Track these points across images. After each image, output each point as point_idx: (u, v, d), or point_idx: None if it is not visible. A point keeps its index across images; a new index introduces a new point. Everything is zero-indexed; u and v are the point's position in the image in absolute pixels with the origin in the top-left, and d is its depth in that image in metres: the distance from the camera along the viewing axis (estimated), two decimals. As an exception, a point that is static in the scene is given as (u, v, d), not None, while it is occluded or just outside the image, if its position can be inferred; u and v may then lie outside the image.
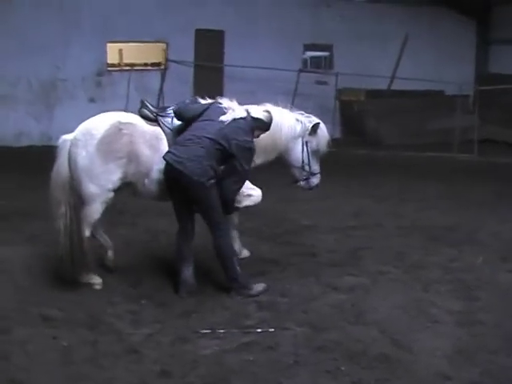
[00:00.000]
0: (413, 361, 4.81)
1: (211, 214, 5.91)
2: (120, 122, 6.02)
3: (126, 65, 18.52)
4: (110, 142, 5.92)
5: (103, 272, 6.36)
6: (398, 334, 5.22)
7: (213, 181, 5.77)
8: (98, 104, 15.91)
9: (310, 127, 6.77)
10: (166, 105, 7.63)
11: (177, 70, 17.41)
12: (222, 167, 5.89)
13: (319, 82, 18.68)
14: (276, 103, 6.69)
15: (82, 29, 16.58)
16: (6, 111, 16.16)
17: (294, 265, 6.97)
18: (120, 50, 18.61)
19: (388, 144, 16.79)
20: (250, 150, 5.89)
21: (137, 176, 6.04)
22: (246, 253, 7.09)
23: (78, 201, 6.07)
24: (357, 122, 18.20)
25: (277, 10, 18.32)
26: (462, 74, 19.00)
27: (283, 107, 6.80)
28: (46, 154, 6.30)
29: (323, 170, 7.17)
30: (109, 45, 17.33)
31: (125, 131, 5.98)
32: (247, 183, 6.46)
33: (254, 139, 6.03)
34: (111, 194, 6.05)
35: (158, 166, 5.99)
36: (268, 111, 6.17)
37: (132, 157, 5.96)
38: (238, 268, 6.01)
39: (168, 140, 6.06)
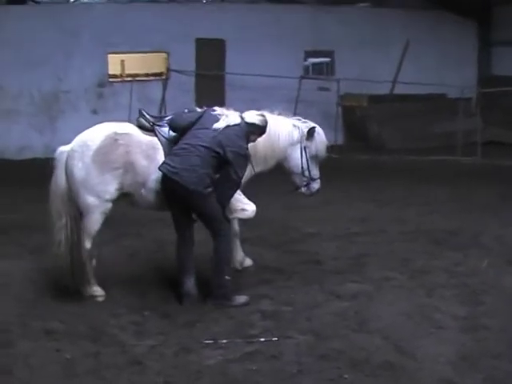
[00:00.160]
0: (417, 368, 4.78)
1: (212, 221, 5.93)
2: (116, 133, 6.02)
3: (128, 75, 18.60)
4: (105, 152, 5.92)
5: (107, 284, 6.34)
6: (401, 341, 5.19)
7: (210, 189, 5.78)
8: (100, 115, 15.96)
9: (306, 132, 6.74)
10: (165, 114, 7.64)
11: (178, 80, 17.47)
12: (218, 175, 5.90)
13: (321, 89, 18.69)
14: (272, 110, 6.68)
15: (82, 40, 16.67)
16: (8, 124, 16.25)
17: (298, 273, 6.95)
18: (122, 61, 18.69)
19: (391, 148, 16.78)
20: (245, 157, 5.91)
21: (134, 186, 6.03)
22: (248, 262, 7.07)
23: (78, 212, 6.08)
24: (359, 127, 18.20)
25: (277, 18, 18.34)
26: (464, 77, 18.99)
27: (279, 114, 6.79)
28: (49, 167, 6.31)
29: (326, 176, 7.16)
30: (109, 56, 17.39)
31: (120, 142, 5.98)
32: (243, 198, 6.49)
33: (253, 148, 6.04)
34: (109, 205, 6.05)
35: (154, 175, 5.99)
36: (262, 114, 6.17)
37: (128, 167, 5.96)
38: (226, 278, 6.00)
39: (164, 150, 6.05)
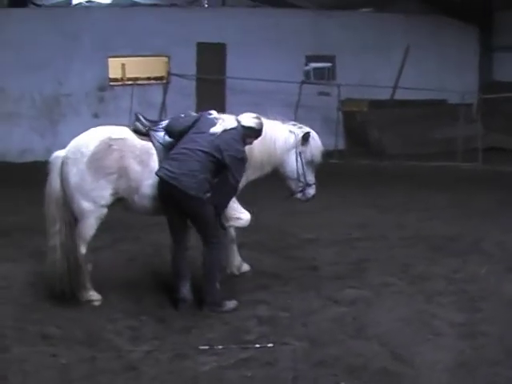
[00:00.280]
0: (414, 375, 4.76)
1: (206, 226, 5.90)
2: (110, 138, 5.99)
3: (129, 79, 18.61)
4: (99, 158, 5.90)
5: (104, 288, 6.31)
6: (399, 348, 5.16)
7: (209, 194, 5.75)
8: (101, 119, 15.93)
9: (301, 137, 6.70)
10: (165, 118, 7.60)
11: (179, 84, 17.46)
12: (215, 180, 5.88)
13: (322, 94, 18.69)
14: (267, 115, 6.66)
15: (83, 43, 16.69)
16: (9, 127, 16.27)
17: (296, 278, 6.92)
18: (123, 65, 18.70)
19: (391, 154, 16.75)
20: (242, 161, 5.89)
21: (127, 191, 6.01)
22: (246, 267, 7.05)
23: (73, 217, 6.06)
24: (360, 132, 18.19)
25: (278, 22, 18.33)
26: (466, 83, 18.97)
27: (274, 118, 6.77)
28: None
29: (326, 182, 7.16)
30: (110, 59, 17.39)
31: (115, 147, 5.95)
32: (238, 206, 6.47)
33: (249, 154, 6.03)
34: (105, 210, 6.03)
35: (147, 181, 5.96)
36: (258, 117, 6.14)
37: (122, 172, 5.93)
38: (217, 284, 5.99)
39: (159, 155, 6.02)
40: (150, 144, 6.09)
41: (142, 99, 17.31)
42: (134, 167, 5.96)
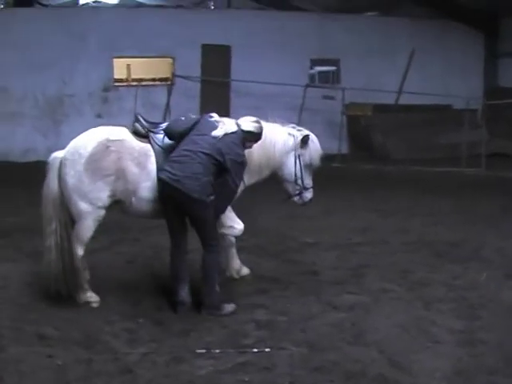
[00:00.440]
0: (412, 382, 4.72)
1: (206, 228, 5.87)
2: (108, 140, 5.97)
3: (134, 80, 18.63)
4: (97, 160, 5.88)
5: (102, 290, 6.30)
6: (397, 355, 5.13)
7: (212, 197, 5.73)
8: (104, 119, 15.96)
9: (300, 140, 6.68)
10: (166, 120, 7.61)
11: (183, 85, 17.50)
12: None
13: (326, 97, 18.71)
14: (267, 118, 6.64)
15: (88, 44, 16.74)
16: (12, 127, 16.31)
17: (295, 283, 6.90)
18: (128, 66, 18.73)
19: (395, 159, 16.76)
20: (242, 164, 5.89)
21: (125, 193, 5.98)
22: (245, 271, 7.03)
23: (69, 218, 6.05)
24: (364, 136, 18.20)
25: (283, 25, 18.35)
26: (470, 88, 18.97)
27: (274, 121, 6.75)
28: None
29: (329, 185, 7.14)
30: (115, 60, 17.41)
31: (112, 148, 5.93)
32: (233, 216, 6.47)
33: (247, 158, 6.02)
34: (102, 212, 6.01)
35: (145, 183, 5.95)
36: (258, 121, 6.13)
37: (120, 174, 5.92)
38: (216, 287, 5.97)
39: (157, 157, 5.99)
40: (148, 146, 6.06)
41: (146, 100, 17.35)
42: (132, 169, 5.94)
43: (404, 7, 20.21)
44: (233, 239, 6.80)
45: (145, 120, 6.23)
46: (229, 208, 6.28)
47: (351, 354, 5.14)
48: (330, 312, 6.09)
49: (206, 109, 15.23)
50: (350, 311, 6.09)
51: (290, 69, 18.13)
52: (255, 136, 6.08)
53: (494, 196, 12.09)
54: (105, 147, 5.93)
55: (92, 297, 6.11)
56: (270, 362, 4.98)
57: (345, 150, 17.93)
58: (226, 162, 5.74)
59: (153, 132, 6.12)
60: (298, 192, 6.82)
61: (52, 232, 6.01)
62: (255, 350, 5.22)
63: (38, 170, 6.43)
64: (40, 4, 20.01)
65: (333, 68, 19.82)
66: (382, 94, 17.83)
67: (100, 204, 5.94)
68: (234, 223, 6.51)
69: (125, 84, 18.47)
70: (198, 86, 18.05)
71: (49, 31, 16.39)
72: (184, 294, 5.99)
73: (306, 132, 6.78)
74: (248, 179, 6.47)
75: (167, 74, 18.57)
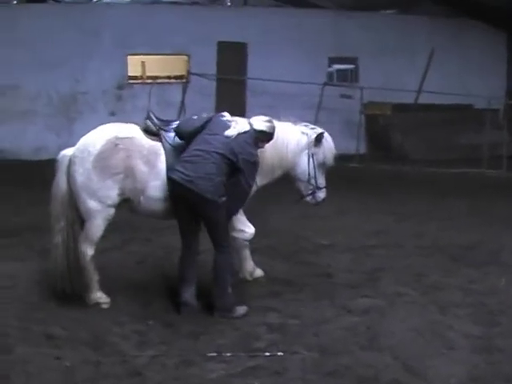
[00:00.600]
0: (426, 388, 4.71)
1: (218, 229, 5.88)
2: (117, 138, 5.98)
3: (148, 77, 18.67)
4: (106, 158, 5.90)
5: (112, 290, 6.31)
6: (411, 360, 5.11)
7: (224, 198, 5.73)
8: (118, 117, 16.00)
9: (314, 138, 6.66)
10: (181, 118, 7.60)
11: (199, 83, 17.48)
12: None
13: (344, 96, 18.65)
14: (279, 117, 6.64)
15: (102, 41, 16.79)
16: (24, 125, 16.41)
17: (309, 285, 6.90)
18: (143, 63, 18.77)
19: (414, 159, 16.66)
20: (255, 164, 5.89)
21: (133, 192, 6.00)
22: (259, 272, 7.04)
23: (77, 216, 6.09)
24: (382, 136, 18.13)
25: (300, 22, 18.31)
26: (492, 88, 18.80)
27: (287, 120, 6.74)
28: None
29: (345, 186, 7.11)
30: (129, 57, 17.46)
31: (121, 146, 5.94)
32: (244, 219, 6.48)
33: (260, 158, 6.01)
34: (112, 210, 6.03)
35: (154, 182, 5.95)
36: (270, 120, 6.13)
37: (128, 172, 5.93)
38: (228, 289, 5.97)
39: (167, 156, 5.99)
40: (158, 144, 6.06)
41: (160, 98, 17.37)
42: (141, 167, 5.95)
43: (422, 5, 20.07)
44: (252, 235, 6.79)
45: (156, 118, 6.23)
46: (240, 211, 6.28)
47: (365, 359, 5.13)
48: (344, 316, 6.07)
49: (221, 107, 15.19)
50: (365, 315, 6.08)
51: (308, 67, 18.09)
52: (267, 135, 6.09)
53: (514, 198, 11.99)
54: (113, 145, 5.94)
55: (102, 297, 6.14)
56: (281, 366, 4.98)
57: (363, 149, 17.88)
58: (239, 162, 5.75)
59: (164, 130, 6.12)
60: (310, 192, 6.82)
61: (60, 230, 6.06)
62: (267, 353, 5.21)
63: (49, 168, 6.44)
64: (53, 0, 20.11)
65: (351, 66, 19.77)
66: (401, 93, 17.72)
67: (109, 202, 5.96)
68: (244, 227, 6.52)
69: (139, 81, 18.49)
70: (214, 84, 18.04)
71: (61, 27, 16.44)
72: (188, 295, 6.00)
73: (320, 130, 6.77)
74: (260, 179, 6.46)
75: (182, 72, 18.58)
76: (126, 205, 6.13)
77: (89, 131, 6.29)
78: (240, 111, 14.63)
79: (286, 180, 6.87)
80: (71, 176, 6.02)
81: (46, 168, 6.50)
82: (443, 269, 7.55)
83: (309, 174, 6.71)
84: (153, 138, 6.11)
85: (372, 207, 11.25)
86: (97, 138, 6.04)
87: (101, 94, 17.21)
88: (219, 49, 18.00)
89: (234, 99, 17.23)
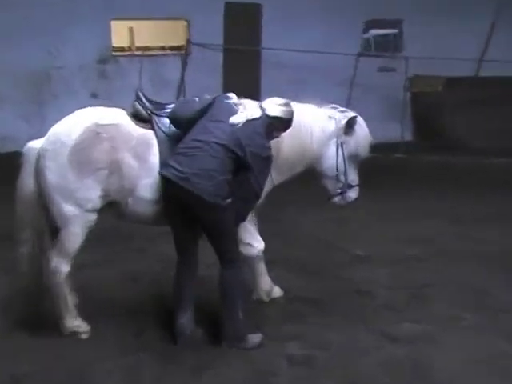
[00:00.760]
0: None
1: (223, 239, 5.89)
2: (98, 125, 5.99)
3: (138, 49, 18.72)
4: (84, 150, 5.90)
5: (95, 316, 6.34)
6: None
7: (229, 200, 5.73)
8: (101, 99, 16.10)
9: (344, 124, 6.68)
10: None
11: (201, 56, 17.51)
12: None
13: (384, 69, 18.64)
14: (300, 99, 6.63)
15: (80, 3, 16.81)
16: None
17: (340, 307, 6.93)
18: (131, 30, 18.82)
19: (472, 147, 16.65)
20: (268, 159, 5.86)
21: (120, 193, 6.00)
22: (277, 291, 7.08)
23: (48, 224, 6.12)
24: (433, 119, 18.10)
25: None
26: None
27: (309, 102, 6.75)
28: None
29: (386, 183, 7.10)
30: (114, 23, 17.53)
31: (104, 135, 5.94)
32: (254, 231, 6.50)
33: (276, 150, 6.06)
34: (93, 216, 6.03)
35: (145, 180, 5.96)
36: (287, 103, 6.09)
37: (114, 168, 5.93)
38: (240, 313, 5.98)
39: (162, 147, 6.01)
40: (150, 133, 6.08)
41: (154, 75, 17.45)
42: (129, 162, 5.95)
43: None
44: (261, 251, 6.82)
45: (148, 99, 6.25)
46: (249, 219, 6.30)
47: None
48: (385, 345, 6.10)
49: (230, 86, 15.27)
50: (411, 344, 6.09)
51: (338, 33, 18.05)
52: (284, 123, 6.06)
53: None
54: (94, 134, 5.95)
55: (80, 325, 6.17)
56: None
57: (408, 136, 17.86)
58: (247, 157, 5.72)
59: (157, 115, 6.14)
60: (340, 191, 6.84)
61: (25, 241, 6.09)
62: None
63: (19, 162, 6.45)
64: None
65: (393, 31, 19.75)
66: (457, 65, 17.64)
67: (89, 206, 5.97)
68: (252, 240, 6.56)
69: (127, 54, 18.57)
70: (220, 56, 18.06)
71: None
72: (185, 320, 6.03)
73: (352, 114, 6.78)
74: (276, 177, 6.48)
75: (181, 42, 18.63)
76: (111, 209, 6.16)
77: (63, 117, 6.31)
78: (253, 91, 14.67)
79: (311, 175, 6.88)
80: (41, 174, 6.02)
81: (15, 162, 6.53)
82: (509, 285, 7.55)
83: (337, 169, 6.73)
84: (143, 125, 6.13)
85: (419, 208, 11.28)
86: (73, 126, 6.04)
87: (79, 71, 17.29)
88: (227, 12, 18.00)
89: (245, 75, 17.25)
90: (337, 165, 6.73)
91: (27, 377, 5.46)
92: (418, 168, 15.21)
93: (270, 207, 6.63)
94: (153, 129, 6.10)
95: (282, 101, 6.08)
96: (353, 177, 6.85)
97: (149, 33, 18.88)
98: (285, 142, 6.34)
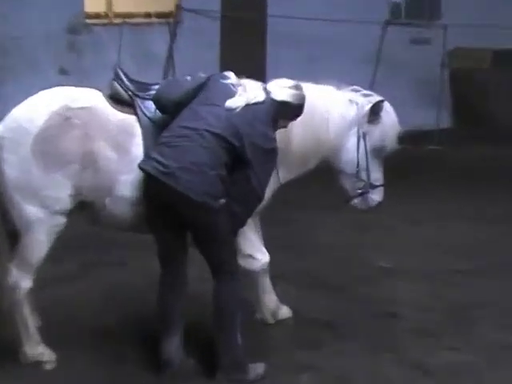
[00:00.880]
0: None
1: (216, 248, 5.86)
2: (68, 108, 5.98)
3: (117, 16, 18.74)
4: (51, 139, 5.88)
5: (63, 343, 6.33)
6: None
7: (223, 200, 5.70)
8: (71, 77, 16.08)
9: (368, 110, 6.69)
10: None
11: (194, 25, 17.52)
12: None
13: (417, 41, 18.65)
14: (314, 80, 6.63)
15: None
16: None
17: (360, 331, 6.94)
18: (108, -8, 18.86)
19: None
20: (271, 153, 5.83)
21: (95, 192, 5.99)
22: (285, 311, 7.10)
23: (5, 229, 6.14)
24: (477, 102, 18.12)
25: None
26: None
27: (326, 84, 6.75)
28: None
29: (416, 180, 7.11)
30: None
31: (75, 121, 5.93)
32: (255, 240, 6.53)
33: (284, 140, 6.07)
34: (61, 220, 6.02)
35: (126, 176, 5.96)
36: (297, 86, 6.07)
37: (87, 161, 5.91)
38: (239, 337, 5.96)
39: (146, 136, 6.00)
40: (132, 118, 6.08)
41: (136, 48, 17.43)
42: (106, 154, 5.94)
43: None
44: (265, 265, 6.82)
45: (129, 78, 6.26)
46: (250, 225, 6.31)
47: None
48: (417, 379, 6.10)
49: (229, 62, 15.28)
50: (450, 378, 6.10)
51: (359, -3, 18.11)
52: (293, 109, 6.04)
53: None
54: (63, 119, 5.94)
55: (44, 353, 6.16)
56: None
57: (446, 123, 17.86)
58: (246, 148, 5.69)
59: (140, 97, 6.15)
60: (361, 191, 6.85)
61: None
62: None
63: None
64: None
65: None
66: (508, 35, 17.65)
67: (57, 207, 5.96)
68: (254, 251, 6.56)
69: (103, 22, 18.60)
70: (218, 25, 18.07)
71: None
72: (173, 348, 6.01)
73: (377, 98, 6.77)
74: (284, 174, 6.50)
75: (169, 8, 18.65)
76: (84, 212, 6.16)
77: (26, 98, 6.31)
78: (257, 69, 14.68)
79: (326, 172, 6.89)
80: (-3, 167, 6.06)
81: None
82: None
83: (358, 165, 6.74)
84: (124, 109, 6.14)
85: (458, 211, 11.31)
86: (37, 110, 6.03)
87: (44, 42, 17.30)
88: (225, -28, 18.06)
89: (247, 49, 17.25)
90: (358, 160, 6.72)
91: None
92: (455, 161, 15.20)
93: (277, 211, 6.63)
94: (135, 114, 6.09)
95: (292, 82, 6.07)
96: (376, 175, 6.86)
97: (130, -3, 18.95)
98: (295, 132, 6.34)
